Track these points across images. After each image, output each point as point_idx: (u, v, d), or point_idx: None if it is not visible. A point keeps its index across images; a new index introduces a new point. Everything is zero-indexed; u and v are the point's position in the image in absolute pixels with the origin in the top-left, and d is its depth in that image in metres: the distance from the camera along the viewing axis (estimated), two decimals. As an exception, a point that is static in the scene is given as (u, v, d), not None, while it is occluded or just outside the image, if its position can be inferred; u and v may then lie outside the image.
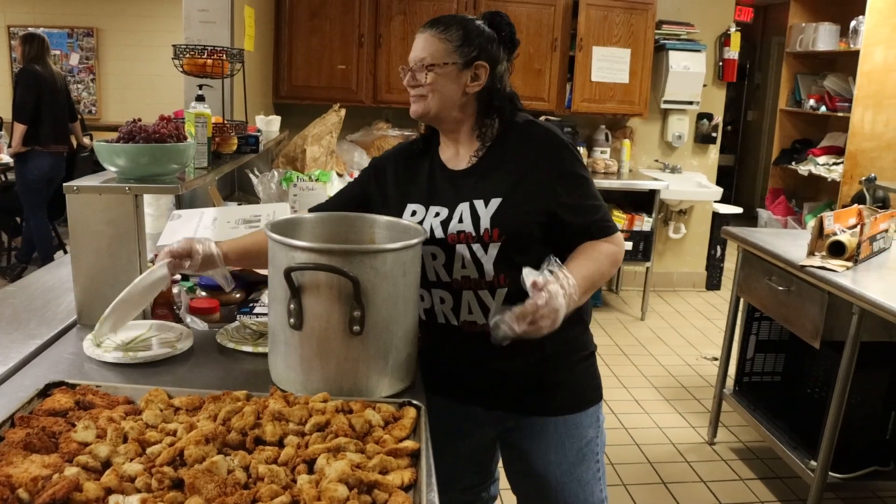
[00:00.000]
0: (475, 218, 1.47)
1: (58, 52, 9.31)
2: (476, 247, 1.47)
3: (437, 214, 1.52)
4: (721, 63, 5.48)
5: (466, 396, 1.62)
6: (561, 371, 1.59)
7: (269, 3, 4.54)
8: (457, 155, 1.57)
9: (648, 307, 5.20)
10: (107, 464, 1.08)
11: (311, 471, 1.08)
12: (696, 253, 5.81)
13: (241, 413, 1.19)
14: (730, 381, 3.29)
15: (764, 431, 2.93)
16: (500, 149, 1.53)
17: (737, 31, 5.40)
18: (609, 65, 4.98)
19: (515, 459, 1.68)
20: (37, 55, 5.11)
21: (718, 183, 5.61)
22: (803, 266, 2.59)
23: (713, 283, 5.88)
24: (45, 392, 1.29)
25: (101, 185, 1.65)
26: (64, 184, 1.64)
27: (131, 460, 1.08)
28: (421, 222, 1.53)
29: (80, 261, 1.69)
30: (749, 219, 6.96)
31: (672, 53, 5.18)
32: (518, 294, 1.36)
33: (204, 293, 1.95)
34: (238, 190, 3.50)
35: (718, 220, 5.67)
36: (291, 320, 1.32)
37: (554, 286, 1.28)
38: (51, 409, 1.22)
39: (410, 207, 1.56)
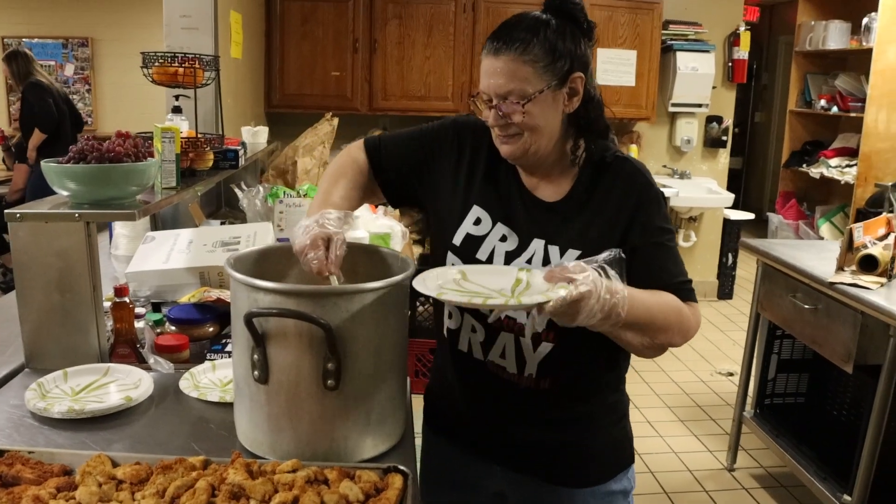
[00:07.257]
0: (546, 265, 1.22)
1: (52, 63, 9.18)
2: None
3: (505, 239, 1.27)
4: (730, 64, 5.27)
5: (477, 447, 1.38)
6: (596, 438, 1.35)
7: (259, 8, 4.35)
8: (541, 182, 1.29)
9: (659, 319, 5.00)
10: (22, 562, 0.89)
11: (270, 568, 0.89)
12: (707, 261, 5.60)
13: (192, 490, 1.00)
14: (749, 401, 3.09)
15: (788, 458, 2.72)
16: (591, 185, 1.26)
17: (746, 30, 5.19)
18: (615, 67, 4.78)
19: None
20: (28, 70, 5.05)
21: (727, 186, 5.42)
22: (833, 283, 2.38)
23: (725, 292, 5.67)
24: (-33, 461, 1.10)
25: (47, 211, 1.46)
26: (6, 211, 1.45)
27: (52, 557, 0.90)
28: (485, 237, 1.27)
29: (26, 298, 1.49)
30: (759, 223, 6.76)
31: (680, 54, 4.98)
32: (564, 355, 1.15)
33: (173, 328, 1.75)
34: (225, 206, 3.31)
35: (729, 226, 5.47)
36: (255, 373, 1.13)
37: (596, 277, 1.04)
38: (-32, 486, 1.03)
39: (476, 211, 1.29)
